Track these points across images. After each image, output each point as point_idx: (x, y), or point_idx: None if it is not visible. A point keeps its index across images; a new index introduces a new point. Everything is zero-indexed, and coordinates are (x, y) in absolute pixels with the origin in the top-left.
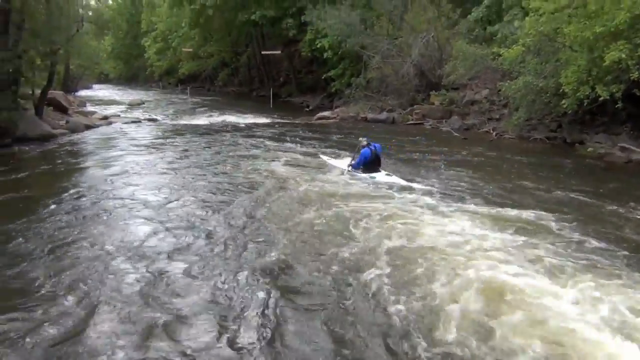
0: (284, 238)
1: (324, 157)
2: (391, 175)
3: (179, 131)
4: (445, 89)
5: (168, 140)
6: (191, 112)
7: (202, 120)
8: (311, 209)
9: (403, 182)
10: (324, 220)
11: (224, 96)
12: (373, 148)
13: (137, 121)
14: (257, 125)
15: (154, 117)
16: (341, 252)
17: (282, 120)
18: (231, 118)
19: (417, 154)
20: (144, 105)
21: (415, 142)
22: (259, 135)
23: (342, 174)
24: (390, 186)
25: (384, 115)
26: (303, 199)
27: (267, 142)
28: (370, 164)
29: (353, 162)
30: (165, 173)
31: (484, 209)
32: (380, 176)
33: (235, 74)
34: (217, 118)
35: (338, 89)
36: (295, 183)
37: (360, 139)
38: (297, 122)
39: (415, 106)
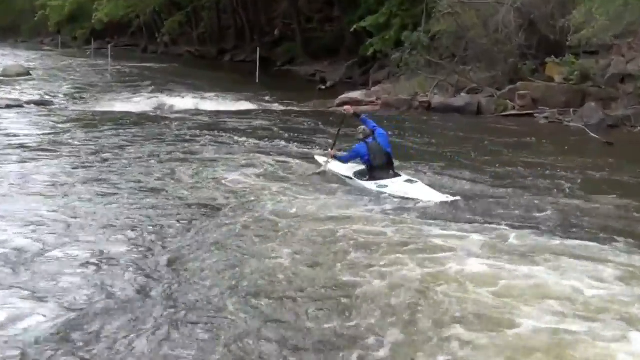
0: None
1: (320, 160)
2: (416, 182)
3: (87, 122)
4: (573, 54)
5: (66, 138)
6: (112, 90)
7: (130, 104)
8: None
9: (443, 198)
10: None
11: (174, 62)
12: (371, 140)
13: (15, 105)
14: (228, 115)
15: (46, 97)
16: None
17: (275, 108)
18: (184, 102)
19: (521, 176)
20: (29, 77)
21: (516, 149)
22: (229, 132)
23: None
24: (423, 208)
25: (462, 100)
26: (268, 236)
27: (240, 144)
28: (375, 167)
29: (354, 170)
30: (54, 195)
31: None
32: (397, 186)
33: (193, 24)
34: (157, 100)
35: (378, 52)
36: (263, 204)
37: (359, 128)
38: (302, 110)
39: (518, 84)
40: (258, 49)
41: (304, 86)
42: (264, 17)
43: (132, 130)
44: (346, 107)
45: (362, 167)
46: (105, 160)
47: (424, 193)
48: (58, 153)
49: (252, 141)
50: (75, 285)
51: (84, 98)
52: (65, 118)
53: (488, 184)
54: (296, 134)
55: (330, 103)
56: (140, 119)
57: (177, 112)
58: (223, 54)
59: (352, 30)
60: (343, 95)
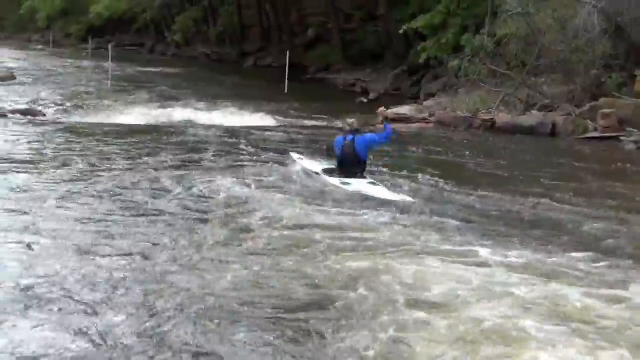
0: None
1: (295, 156)
2: (377, 185)
3: (82, 137)
4: None
5: (56, 156)
6: (113, 99)
7: (133, 116)
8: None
9: (395, 197)
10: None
11: (186, 65)
12: (350, 139)
13: None
14: (248, 131)
15: (35, 107)
16: None
17: (306, 124)
18: (197, 115)
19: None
20: (14, 82)
21: (600, 178)
22: (246, 153)
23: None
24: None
25: (533, 119)
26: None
27: (256, 171)
28: (344, 164)
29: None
30: (40, 218)
31: None
32: (358, 184)
33: (210, 21)
34: (165, 112)
35: (432, 59)
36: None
37: (351, 120)
38: (338, 128)
39: (601, 100)
40: (288, 52)
41: (342, 99)
42: (295, 15)
43: (135, 148)
44: (349, 120)
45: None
46: (98, 182)
47: (384, 194)
48: (45, 173)
49: (275, 167)
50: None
51: (79, 108)
52: (56, 131)
53: (571, 215)
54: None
55: (373, 120)
56: (144, 135)
57: (187, 126)
58: (245, 58)
59: (400, 31)
60: (389, 111)
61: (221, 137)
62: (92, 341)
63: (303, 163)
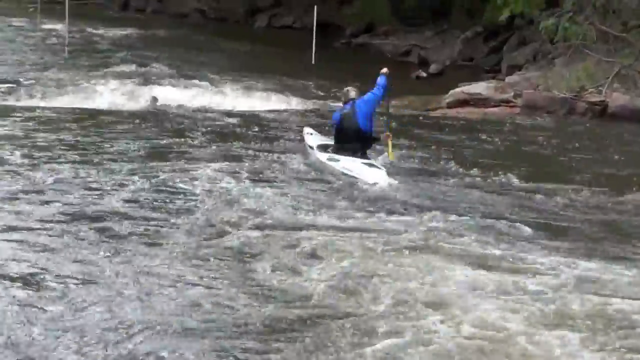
0: None
1: (306, 130)
2: (373, 168)
3: (28, 126)
4: None
5: None
6: (71, 74)
7: (97, 98)
8: None
9: (390, 180)
10: None
11: (172, 27)
12: (349, 107)
13: None
14: (256, 120)
15: None
16: None
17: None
18: (185, 95)
19: None
20: None
21: None
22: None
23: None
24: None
25: None
26: None
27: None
28: (342, 138)
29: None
30: None
31: None
32: (349, 163)
33: None
34: (141, 92)
35: (517, 17)
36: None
37: (347, 88)
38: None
39: None
40: (315, 8)
41: (391, 72)
42: None
43: (95, 138)
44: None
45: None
46: (44, 182)
47: (375, 176)
48: None
49: (283, 157)
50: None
51: (25, 86)
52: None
53: None
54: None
55: (435, 101)
56: (110, 122)
57: (171, 112)
58: (255, 16)
59: None
60: (458, 89)
61: (217, 124)
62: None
63: (309, 138)
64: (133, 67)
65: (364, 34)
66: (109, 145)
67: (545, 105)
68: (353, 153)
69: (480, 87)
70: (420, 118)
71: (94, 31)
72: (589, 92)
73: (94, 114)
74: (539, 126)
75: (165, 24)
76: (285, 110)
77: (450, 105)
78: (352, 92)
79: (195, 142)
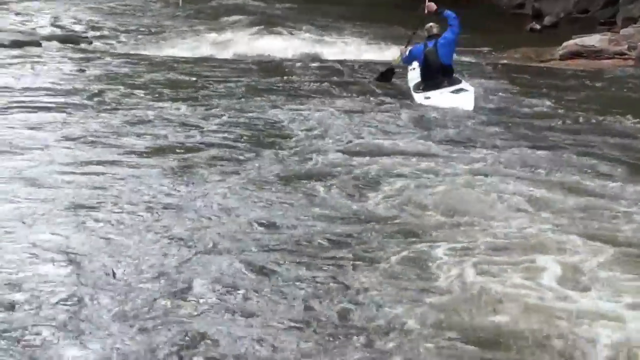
0: None
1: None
2: (465, 92)
3: (142, 73)
4: None
5: (102, 105)
6: (185, 23)
7: (210, 46)
8: None
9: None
10: None
11: None
12: (431, 45)
13: (27, 42)
14: (367, 68)
15: (77, 31)
16: None
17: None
18: (299, 45)
19: None
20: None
21: None
22: (358, 99)
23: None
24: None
25: None
26: None
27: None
28: (427, 75)
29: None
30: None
31: None
32: (441, 97)
33: None
34: (256, 43)
35: None
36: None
37: (430, 24)
38: (496, 63)
39: None
40: None
41: (504, 24)
42: None
43: (197, 82)
44: (429, 3)
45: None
46: (149, 117)
47: (463, 101)
48: (82, 122)
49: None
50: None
51: (137, 34)
52: (106, 65)
53: None
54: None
55: (548, 53)
56: (224, 72)
57: (286, 60)
58: None
59: None
60: (571, 42)
61: (331, 76)
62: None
63: (410, 75)
64: (244, 17)
65: None
66: (209, 85)
67: None
68: (440, 85)
69: (594, 40)
70: (535, 68)
71: None
72: None
73: (199, 60)
74: None
75: None
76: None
77: (563, 57)
78: (435, 29)
79: (297, 84)
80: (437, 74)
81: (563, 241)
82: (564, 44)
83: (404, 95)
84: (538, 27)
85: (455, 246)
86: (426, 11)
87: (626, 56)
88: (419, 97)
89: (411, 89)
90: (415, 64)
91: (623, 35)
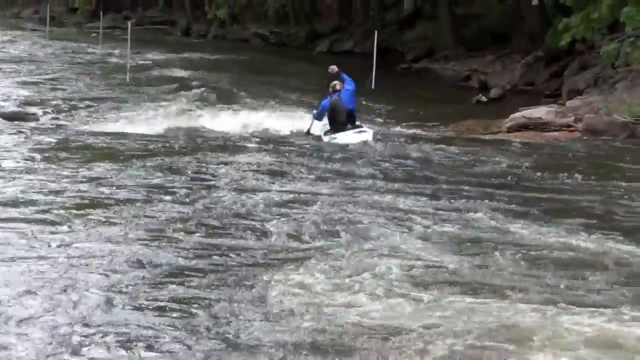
0: None
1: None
2: (365, 132)
3: (87, 151)
4: None
5: (50, 178)
6: (132, 99)
7: (159, 123)
8: None
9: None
10: None
11: (234, 51)
12: (335, 97)
13: None
14: (313, 146)
15: (26, 108)
16: None
17: (398, 133)
18: (244, 120)
19: None
20: None
21: None
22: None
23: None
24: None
25: None
26: None
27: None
28: (336, 122)
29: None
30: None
31: None
32: (345, 136)
33: None
34: (204, 119)
35: (579, 42)
36: None
37: (335, 82)
38: (443, 137)
39: None
40: (375, 33)
41: (451, 97)
42: None
43: (153, 168)
44: (332, 66)
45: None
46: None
47: (364, 138)
48: (36, 207)
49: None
50: None
51: (85, 110)
52: (52, 143)
53: None
54: (429, 187)
55: (495, 125)
56: (171, 149)
57: (228, 139)
58: (316, 41)
59: (534, 2)
60: (518, 114)
61: (272, 156)
62: None
63: (313, 129)
64: (194, 93)
65: (424, 59)
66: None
67: (606, 129)
68: (345, 128)
69: (540, 112)
70: (481, 140)
71: (156, 55)
72: None
73: (155, 141)
74: (597, 150)
75: (226, 49)
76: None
77: (510, 130)
78: (338, 85)
79: (235, 156)
80: (342, 119)
81: None
82: (511, 116)
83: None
84: (484, 99)
85: None
86: (329, 71)
87: (572, 128)
88: (327, 139)
89: (321, 135)
90: (325, 121)
91: (569, 107)
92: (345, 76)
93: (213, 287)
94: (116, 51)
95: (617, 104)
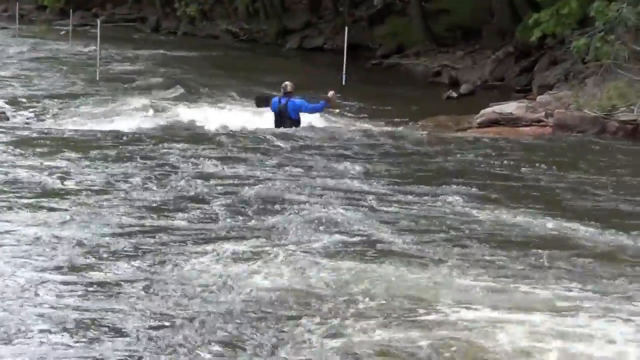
0: None
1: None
2: None
3: (58, 149)
4: None
5: (22, 176)
6: (102, 97)
7: (128, 120)
8: None
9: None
10: None
11: (204, 48)
12: (284, 101)
13: None
14: (285, 141)
15: None
16: None
17: (368, 129)
18: (217, 116)
19: None
20: None
21: None
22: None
23: None
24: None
25: None
26: None
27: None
28: (278, 122)
29: None
30: None
31: None
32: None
33: None
34: (172, 114)
35: (549, 36)
36: None
37: (286, 83)
38: (412, 135)
39: None
40: (346, 29)
41: (422, 93)
42: None
43: (116, 160)
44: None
45: None
46: (74, 209)
47: None
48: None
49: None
50: None
51: (56, 109)
52: (22, 141)
53: None
54: (390, 184)
55: (466, 121)
56: (139, 145)
57: (201, 134)
58: (286, 37)
59: None
60: (488, 109)
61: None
62: None
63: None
64: (164, 90)
65: (394, 55)
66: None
67: (576, 124)
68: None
69: (511, 107)
70: (451, 138)
71: (126, 52)
72: (620, 111)
73: (124, 137)
74: (567, 146)
75: (196, 46)
76: (318, 134)
77: (481, 125)
78: (289, 87)
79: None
80: (287, 125)
81: None
82: (482, 112)
83: None
84: (455, 95)
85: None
86: (330, 94)
87: (543, 123)
88: None
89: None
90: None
91: (539, 103)
92: (322, 103)
93: (148, 266)
94: (86, 49)
95: (588, 99)
